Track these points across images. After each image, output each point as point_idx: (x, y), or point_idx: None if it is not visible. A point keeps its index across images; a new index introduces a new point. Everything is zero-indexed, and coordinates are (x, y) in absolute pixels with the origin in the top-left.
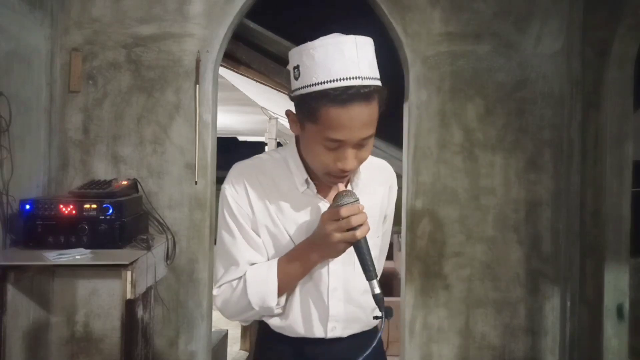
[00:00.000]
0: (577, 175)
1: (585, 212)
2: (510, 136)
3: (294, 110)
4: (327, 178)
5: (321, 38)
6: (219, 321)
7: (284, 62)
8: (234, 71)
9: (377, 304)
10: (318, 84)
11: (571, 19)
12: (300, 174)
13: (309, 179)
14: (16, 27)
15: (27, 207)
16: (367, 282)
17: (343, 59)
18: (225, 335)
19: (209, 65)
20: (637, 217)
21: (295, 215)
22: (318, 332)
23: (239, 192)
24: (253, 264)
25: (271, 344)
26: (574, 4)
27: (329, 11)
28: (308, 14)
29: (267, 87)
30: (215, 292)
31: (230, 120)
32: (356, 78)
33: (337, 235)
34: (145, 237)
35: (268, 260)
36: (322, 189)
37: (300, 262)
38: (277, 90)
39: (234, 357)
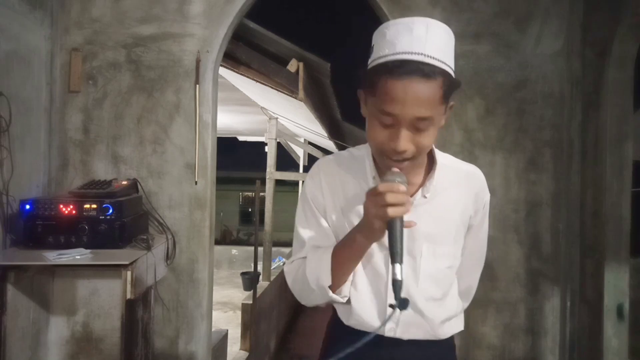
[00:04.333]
0: (577, 175)
1: (585, 212)
2: (510, 136)
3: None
4: (383, 160)
5: (398, 19)
6: (219, 321)
7: (284, 62)
8: (234, 71)
9: (394, 290)
10: (382, 57)
11: (571, 19)
12: (370, 171)
13: (377, 176)
14: (16, 27)
15: (27, 207)
16: (436, 291)
17: (410, 36)
18: (225, 335)
19: (209, 65)
20: (637, 217)
21: (358, 208)
22: (376, 330)
23: (315, 182)
24: (319, 247)
25: (335, 336)
26: (574, 4)
27: (329, 11)
28: (308, 14)
29: (267, 87)
30: (285, 268)
31: (230, 120)
32: (419, 54)
33: (372, 210)
34: (145, 237)
35: None
36: None
37: (349, 243)
38: (277, 90)
39: (234, 357)
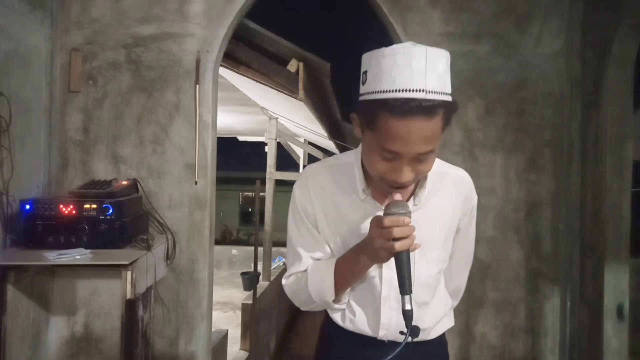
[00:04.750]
0: (577, 175)
1: (585, 212)
2: (510, 136)
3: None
4: (382, 184)
5: (393, 46)
6: (219, 321)
7: (284, 62)
8: (234, 71)
9: (404, 319)
10: (381, 92)
11: (571, 19)
12: (360, 183)
13: (366, 189)
14: (16, 27)
15: (27, 207)
16: (426, 296)
17: (410, 69)
18: (225, 335)
19: (209, 65)
20: (637, 217)
21: (350, 220)
22: (370, 335)
23: (304, 193)
24: (316, 259)
25: (331, 337)
26: (574, 4)
27: (329, 11)
28: (308, 14)
29: (267, 87)
30: (283, 281)
31: (230, 120)
32: (420, 91)
33: (379, 242)
34: (145, 237)
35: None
36: (380, 196)
37: (352, 263)
38: (277, 90)
39: (234, 357)
